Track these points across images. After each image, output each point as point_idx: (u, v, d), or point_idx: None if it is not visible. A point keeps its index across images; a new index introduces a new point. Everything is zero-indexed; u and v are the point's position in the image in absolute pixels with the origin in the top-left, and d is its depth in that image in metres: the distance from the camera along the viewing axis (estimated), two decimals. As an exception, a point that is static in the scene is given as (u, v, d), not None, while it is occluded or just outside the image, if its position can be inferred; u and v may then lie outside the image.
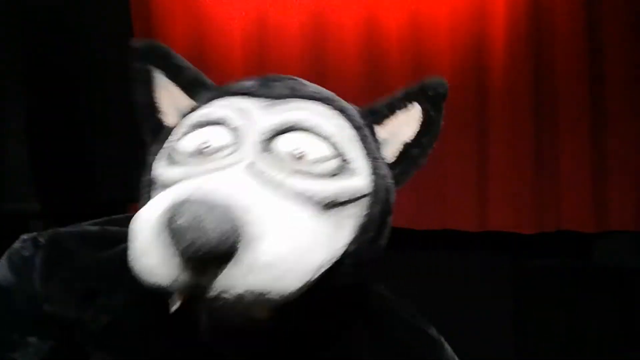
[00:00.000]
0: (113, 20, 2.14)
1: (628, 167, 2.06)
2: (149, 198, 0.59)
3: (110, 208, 2.21)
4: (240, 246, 0.46)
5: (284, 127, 0.58)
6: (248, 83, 0.66)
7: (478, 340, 2.08)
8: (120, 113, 2.21)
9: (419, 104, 0.70)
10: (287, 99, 0.62)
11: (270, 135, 0.57)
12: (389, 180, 0.68)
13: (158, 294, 0.51)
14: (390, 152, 0.70)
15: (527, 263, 2.16)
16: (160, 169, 0.60)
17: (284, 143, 0.57)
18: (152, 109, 0.69)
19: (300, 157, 0.56)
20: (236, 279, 0.47)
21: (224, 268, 0.46)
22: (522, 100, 2.08)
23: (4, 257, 0.75)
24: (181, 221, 0.45)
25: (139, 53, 0.69)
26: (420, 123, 0.70)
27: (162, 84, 0.69)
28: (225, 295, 0.47)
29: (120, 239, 0.64)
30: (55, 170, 2.01)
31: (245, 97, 0.62)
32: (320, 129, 0.59)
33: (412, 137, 0.71)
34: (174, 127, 0.65)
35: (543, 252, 2.16)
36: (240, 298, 0.48)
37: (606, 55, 2.06)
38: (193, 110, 0.64)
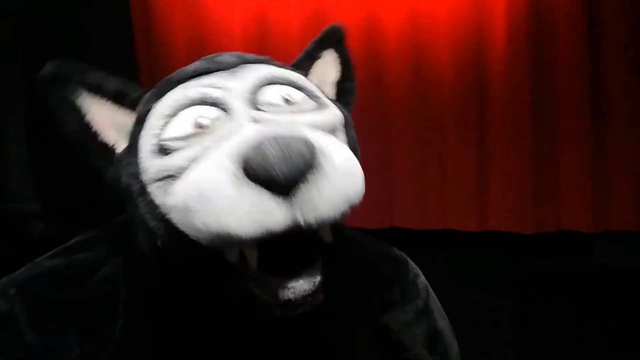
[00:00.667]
0: (113, 19, 2.14)
1: (628, 167, 2.05)
2: (152, 197, 0.60)
3: (110, 208, 2.21)
4: (319, 159, 0.52)
5: (260, 83, 0.64)
6: (192, 67, 0.68)
7: (478, 340, 2.08)
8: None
9: (331, 49, 0.82)
10: (241, 66, 0.67)
11: (253, 94, 0.62)
12: (346, 111, 0.74)
13: (218, 266, 0.56)
14: (327, 93, 0.76)
15: (527, 263, 2.16)
16: (159, 162, 0.59)
17: (268, 96, 0.63)
18: (88, 133, 0.67)
19: (288, 101, 0.64)
20: (324, 186, 0.52)
21: (311, 183, 0.51)
22: (522, 100, 2.08)
23: None
24: (271, 152, 0.49)
25: (52, 79, 0.66)
26: (340, 62, 0.81)
27: (88, 104, 0.67)
28: (318, 209, 0.52)
29: (92, 266, 0.68)
30: (55, 170, 2.01)
31: (202, 77, 0.65)
32: (287, 78, 0.67)
33: (338, 76, 0.81)
34: (129, 137, 0.65)
35: (543, 252, 2.16)
36: (330, 205, 0.52)
37: (606, 55, 2.05)
38: (147, 109, 0.65)
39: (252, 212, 0.50)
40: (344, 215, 0.56)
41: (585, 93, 2.05)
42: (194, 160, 0.56)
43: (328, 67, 0.81)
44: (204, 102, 0.61)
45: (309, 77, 0.77)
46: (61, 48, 2.05)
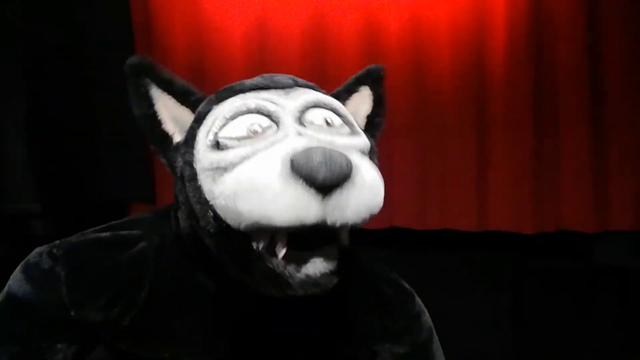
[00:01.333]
0: (113, 20, 2.14)
1: (628, 167, 2.06)
2: (200, 183, 0.70)
3: (110, 208, 2.21)
4: (353, 173, 0.62)
5: (309, 105, 0.74)
6: (252, 81, 0.79)
7: (478, 340, 2.08)
8: (120, 113, 2.22)
9: (368, 85, 0.91)
10: (294, 87, 0.78)
11: (301, 113, 0.73)
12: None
13: (246, 250, 0.66)
14: (359, 123, 0.86)
15: (527, 263, 2.16)
16: (213, 155, 0.69)
17: (312, 117, 0.73)
18: (154, 120, 0.78)
19: (330, 124, 0.74)
20: (352, 197, 0.62)
21: (344, 191, 0.61)
22: (522, 100, 2.08)
23: (19, 272, 0.79)
24: (317, 158, 0.59)
25: (133, 69, 0.77)
26: (372, 99, 0.91)
27: (157, 96, 0.78)
28: (345, 215, 0.62)
29: (131, 241, 0.80)
30: (55, 170, 2.01)
31: (261, 90, 0.76)
32: (332, 104, 0.77)
33: (370, 110, 0.91)
34: (188, 130, 0.76)
35: (543, 252, 2.16)
36: (355, 214, 0.63)
37: (606, 56, 2.06)
38: (207, 110, 0.76)
39: (291, 204, 0.60)
40: (364, 222, 0.66)
41: (585, 93, 2.05)
42: (244, 158, 0.66)
43: (363, 101, 0.91)
44: (259, 112, 0.71)
45: (346, 107, 0.85)
46: (61, 48, 2.05)
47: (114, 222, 0.85)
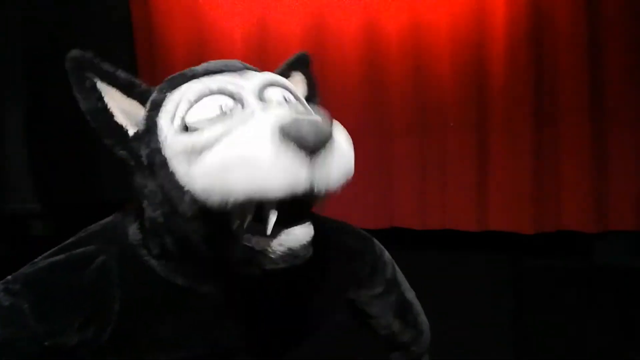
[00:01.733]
0: (113, 20, 2.14)
1: (628, 167, 2.06)
2: (172, 169, 0.70)
3: (110, 208, 2.21)
4: (332, 140, 0.64)
5: (266, 84, 0.76)
6: (203, 66, 0.80)
7: (478, 340, 2.08)
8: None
9: (299, 71, 0.95)
10: (246, 70, 0.80)
11: (260, 92, 0.74)
12: None
13: (226, 230, 0.67)
14: None
15: (527, 263, 2.16)
16: (184, 138, 0.69)
17: (270, 95, 0.76)
18: (105, 113, 0.77)
19: (287, 101, 0.77)
20: (334, 159, 0.63)
21: (327, 156, 0.63)
22: (522, 101, 2.08)
23: None
24: (306, 124, 0.61)
25: (75, 63, 0.77)
26: (307, 83, 0.95)
27: (103, 90, 0.77)
28: (330, 179, 0.63)
29: (88, 257, 0.77)
30: (55, 170, 2.01)
31: (215, 74, 0.77)
32: (284, 83, 0.80)
33: (306, 94, 0.93)
34: (145, 118, 0.76)
35: (543, 252, 2.16)
36: (337, 179, 0.65)
37: (606, 56, 2.05)
38: (162, 97, 0.76)
39: (284, 173, 0.60)
40: (340, 189, 0.67)
41: (586, 94, 2.05)
42: (220, 136, 0.66)
43: (297, 86, 0.93)
44: (222, 92, 0.73)
45: None
46: (61, 48, 2.05)
47: (62, 243, 0.81)
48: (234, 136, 0.65)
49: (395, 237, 2.26)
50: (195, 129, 0.69)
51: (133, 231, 0.80)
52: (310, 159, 0.61)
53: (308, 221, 0.69)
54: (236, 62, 0.81)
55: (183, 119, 0.71)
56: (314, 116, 0.64)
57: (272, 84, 0.77)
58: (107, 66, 0.78)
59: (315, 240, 0.77)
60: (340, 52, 2.18)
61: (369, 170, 2.15)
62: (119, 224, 0.83)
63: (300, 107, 0.78)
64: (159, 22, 2.22)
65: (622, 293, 2.06)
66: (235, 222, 0.68)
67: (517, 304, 2.15)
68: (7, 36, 1.99)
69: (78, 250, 0.78)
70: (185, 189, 0.68)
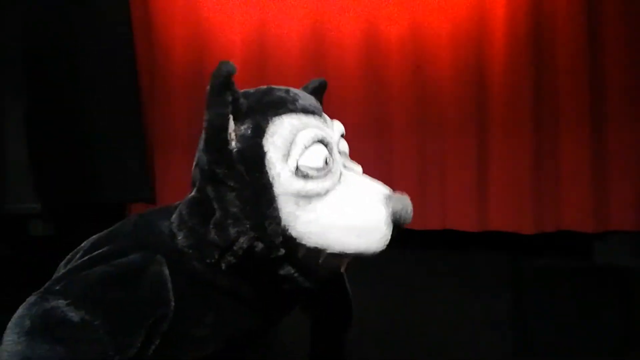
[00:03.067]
0: (113, 20, 2.14)
1: (628, 167, 2.06)
2: (277, 204, 0.75)
3: (109, 208, 2.21)
4: None
5: (339, 136, 0.85)
6: (302, 102, 0.81)
7: (478, 340, 2.08)
8: (121, 113, 2.22)
9: (316, 97, 0.90)
10: (322, 113, 0.84)
11: (337, 144, 0.83)
12: None
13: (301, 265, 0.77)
14: None
15: (527, 263, 2.16)
16: (299, 183, 0.75)
17: (342, 147, 0.85)
18: (224, 132, 0.75)
19: (346, 153, 0.86)
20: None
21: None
22: (522, 101, 2.08)
23: (37, 340, 0.66)
24: (403, 208, 0.75)
25: (225, 79, 0.75)
26: None
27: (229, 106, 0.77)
28: None
29: (137, 267, 0.76)
30: (55, 170, 2.01)
31: (309, 115, 0.80)
32: (343, 132, 0.87)
33: None
34: (249, 145, 0.76)
35: (543, 252, 2.16)
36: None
37: (606, 56, 2.06)
38: (264, 121, 0.76)
39: (385, 234, 0.75)
40: None
41: (585, 93, 2.05)
42: (328, 190, 0.76)
43: None
44: (322, 142, 0.78)
45: None
46: (61, 48, 2.05)
47: (90, 255, 0.78)
48: (348, 195, 0.77)
49: (395, 237, 2.26)
50: (307, 176, 0.76)
51: (181, 237, 0.80)
52: (396, 228, 0.76)
53: None
54: (316, 103, 0.85)
55: (297, 162, 0.76)
56: (406, 197, 0.78)
57: (342, 135, 0.86)
58: (235, 90, 0.77)
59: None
60: (340, 56, 2.18)
61: (368, 170, 2.15)
62: (152, 228, 0.83)
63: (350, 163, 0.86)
64: (159, 22, 2.22)
65: (622, 293, 2.06)
66: (319, 258, 0.77)
67: (517, 303, 2.15)
68: (7, 36, 1.99)
69: (123, 260, 0.76)
70: (286, 227, 0.75)
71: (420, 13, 2.13)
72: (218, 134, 0.75)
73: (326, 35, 2.18)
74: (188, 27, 2.21)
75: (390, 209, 0.75)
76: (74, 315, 0.67)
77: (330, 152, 0.78)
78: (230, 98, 0.75)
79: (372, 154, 2.17)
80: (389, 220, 0.75)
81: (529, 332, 2.13)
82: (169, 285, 0.76)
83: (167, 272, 0.77)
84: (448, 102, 2.14)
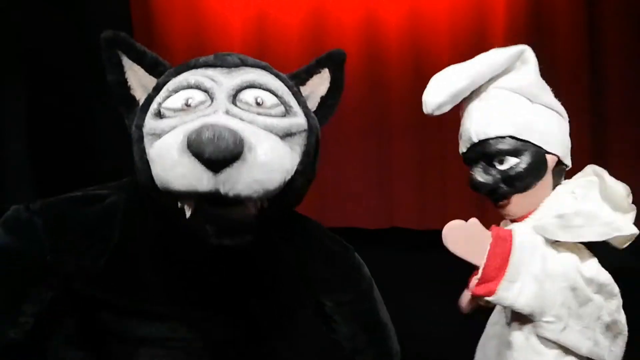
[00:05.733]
0: (113, 19, 2.14)
1: (628, 167, 2.06)
2: (144, 145, 0.80)
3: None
4: (245, 151, 0.70)
5: (244, 85, 0.82)
6: (204, 58, 0.87)
7: (478, 340, 2.08)
8: (121, 114, 2.22)
9: (328, 68, 0.97)
10: (240, 67, 0.86)
11: (235, 92, 0.81)
12: (316, 121, 0.91)
13: (173, 207, 0.76)
14: (312, 103, 0.95)
15: (527, 263, 2.16)
16: (153, 122, 0.79)
17: (246, 96, 0.81)
18: (123, 86, 0.88)
19: (260, 104, 0.81)
20: (243, 173, 0.70)
21: (234, 167, 0.69)
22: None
23: (0, 224, 0.84)
24: (205, 136, 0.68)
25: (108, 41, 0.87)
26: (330, 82, 0.97)
27: (128, 66, 0.88)
28: (236, 187, 0.70)
29: (101, 196, 0.88)
30: (55, 170, 2.01)
31: (208, 68, 0.84)
32: (268, 85, 0.84)
33: (325, 92, 0.97)
34: (146, 98, 0.85)
35: (543, 252, 2.16)
36: (246, 188, 0.71)
37: (606, 55, 2.06)
38: (165, 81, 0.84)
39: (184, 174, 0.70)
40: (260, 197, 0.75)
41: (585, 93, 2.06)
42: (173, 128, 0.76)
43: (322, 82, 0.97)
44: (198, 87, 0.80)
45: (304, 86, 0.95)
46: (61, 48, 2.05)
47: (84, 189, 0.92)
48: (176, 130, 0.75)
49: (395, 237, 2.26)
50: (163, 116, 0.79)
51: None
52: (210, 166, 0.69)
53: (242, 210, 0.77)
54: (236, 58, 0.88)
55: (160, 104, 0.80)
56: (226, 128, 0.69)
57: (252, 85, 0.83)
58: (137, 46, 0.89)
59: (298, 239, 0.92)
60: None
61: (368, 170, 2.15)
62: (133, 181, 0.90)
63: (262, 115, 0.80)
64: (159, 21, 2.22)
65: (622, 293, 2.06)
66: (182, 201, 0.76)
67: (517, 303, 2.15)
68: (7, 36, 1.99)
69: (93, 191, 0.90)
70: (149, 165, 0.77)
71: (420, 0, 2.13)
72: (117, 89, 0.88)
73: (325, 23, 2.18)
74: (188, 25, 2.22)
75: (187, 139, 0.70)
76: (24, 214, 0.84)
77: (210, 95, 0.79)
78: (116, 58, 0.86)
79: (372, 152, 2.18)
80: (183, 148, 0.70)
81: (529, 332, 2.13)
82: (119, 215, 0.85)
83: (121, 207, 0.86)
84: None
